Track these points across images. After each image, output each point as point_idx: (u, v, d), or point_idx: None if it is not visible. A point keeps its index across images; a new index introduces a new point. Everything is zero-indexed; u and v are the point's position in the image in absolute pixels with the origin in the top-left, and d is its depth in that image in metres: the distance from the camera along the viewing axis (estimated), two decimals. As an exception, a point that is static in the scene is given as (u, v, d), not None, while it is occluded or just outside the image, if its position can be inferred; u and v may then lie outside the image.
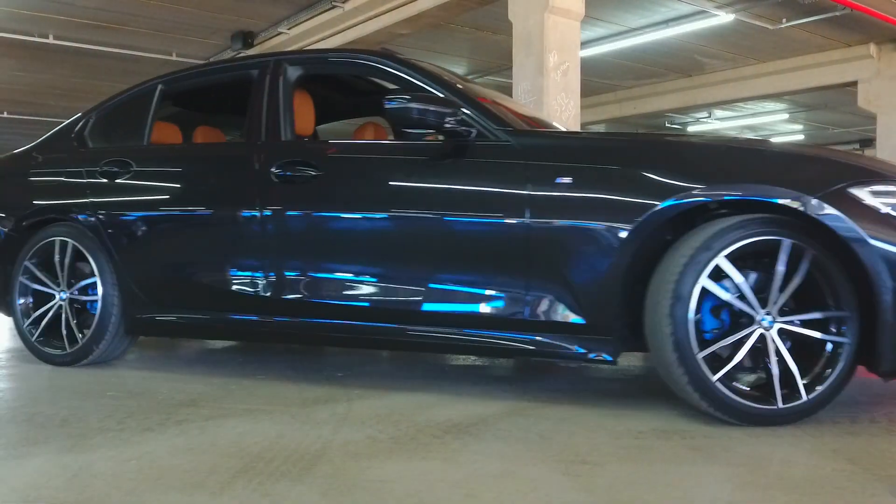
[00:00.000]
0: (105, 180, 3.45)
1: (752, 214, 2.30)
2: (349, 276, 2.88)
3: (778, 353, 2.27)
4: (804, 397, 2.25)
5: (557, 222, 2.51)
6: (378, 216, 2.82)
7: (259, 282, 3.04)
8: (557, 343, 2.55)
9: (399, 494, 1.74)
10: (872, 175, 2.29)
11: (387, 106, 2.63)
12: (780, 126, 17.40)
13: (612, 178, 2.49)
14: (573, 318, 2.51)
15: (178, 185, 3.36)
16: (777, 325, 2.29)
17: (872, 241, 2.18)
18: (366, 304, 2.84)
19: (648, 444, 2.13)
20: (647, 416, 2.45)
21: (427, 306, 2.72)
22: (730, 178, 2.37)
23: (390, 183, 2.86)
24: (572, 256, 2.48)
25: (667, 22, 9.95)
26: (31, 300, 3.55)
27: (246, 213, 3.05)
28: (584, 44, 10.07)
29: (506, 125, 2.75)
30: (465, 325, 2.68)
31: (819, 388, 2.26)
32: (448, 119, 2.63)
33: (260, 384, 3.01)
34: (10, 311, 3.62)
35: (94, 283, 3.40)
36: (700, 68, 12.42)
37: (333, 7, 8.91)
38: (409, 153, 2.87)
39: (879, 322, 2.18)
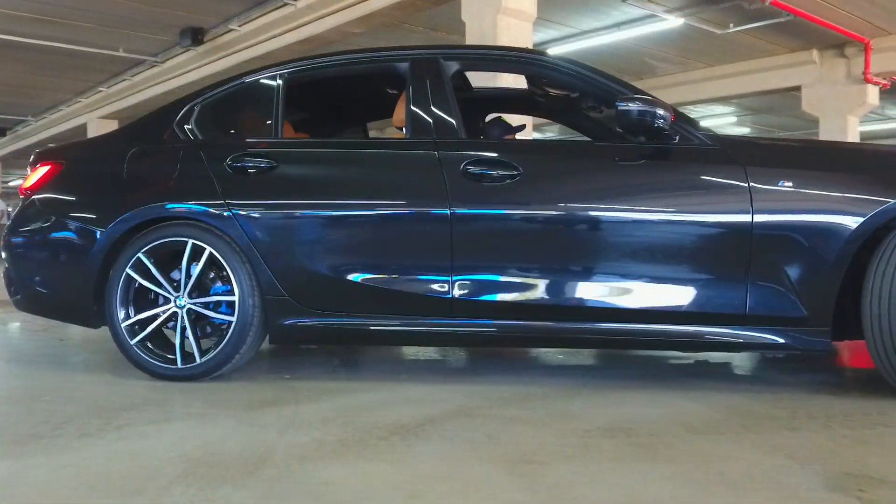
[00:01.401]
0: (239, 176, 3.09)
1: None
2: (550, 276, 2.85)
3: None
4: None
5: (782, 222, 2.68)
6: (586, 216, 2.84)
7: (444, 283, 2.88)
8: (768, 336, 2.68)
9: (343, 497, 1.72)
10: None
11: (619, 108, 2.72)
12: (728, 129, 17.81)
13: (832, 180, 2.70)
14: (794, 311, 2.65)
15: (341, 183, 3.11)
16: None
17: None
18: (570, 303, 2.82)
19: (594, 442, 2.14)
20: (594, 415, 2.47)
21: (636, 304, 2.77)
22: None
23: (597, 183, 2.91)
24: (796, 254, 2.65)
25: (618, 25, 10.10)
26: (133, 309, 3.07)
27: (433, 211, 2.89)
28: (538, 46, 10.15)
29: (706, 130, 2.90)
30: (676, 321, 2.75)
31: None
32: (662, 122, 2.71)
33: (204, 387, 2.94)
34: (107, 321, 3.10)
35: (212, 288, 3.07)
36: (651, 71, 12.64)
37: (285, 4, 8.82)
38: (612, 154, 2.96)
39: None
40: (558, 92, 3.86)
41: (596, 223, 2.83)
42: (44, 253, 3.31)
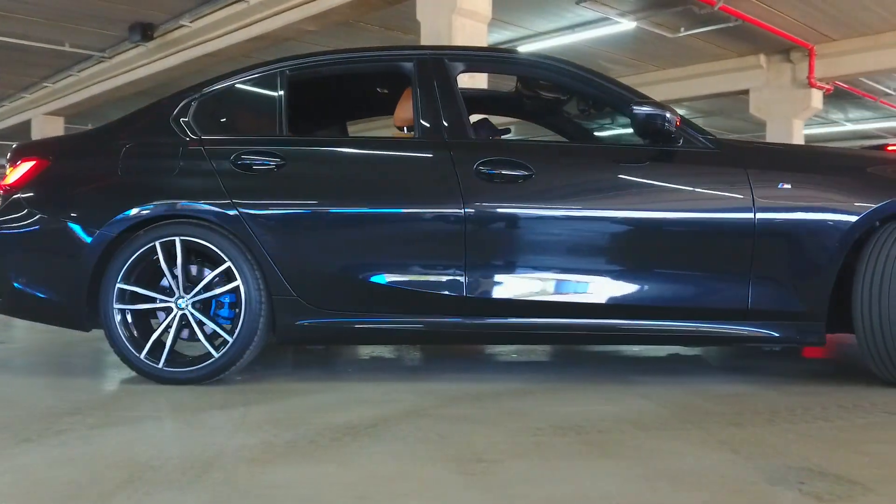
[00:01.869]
0: (246, 173, 3.02)
1: None
2: (562, 273, 2.92)
3: None
4: None
5: (782, 222, 2.83)
6: (597, 216, 2.91)
7: (458, 281, 2.91)
8: (768, 330, 2.83)
9: (291, 499, 1.70)
10: None
11: (636, 112, 2.83)
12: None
13: (828, 183, 2.89)
14: (793, 306, 2.82)
15: (353, 181, 3.07)
16: None
17: None
18: (576, 301, 2.90)
19: (545, 440, 2.16)
20: (546, 413, 2.49)
21: (645, 301, 2.87)
22: None
23: (608, 184, 2.98)
24: (795, 252, 2.83)
25: (573, 27, 10.21)
26: (131, 315, 2.98)
27: (447, 210, 2.91)
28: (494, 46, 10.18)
29: (707, 133, 3.02)
30: (685, 317, 2.87)
31: None
32: (670, 125, 2.84)
33: (152, 390, 2.88)
34: (102, 326, 2.99)
35: (212, 289, 2.97)
36: (605, 73, 12.78)
37: (238, 1, 8.70)
38: (621, 156, 3.07)
39: None
40: (551, 95, 3.91)
41: (607, 223, 2.92)
42: (30, 253, 3.15)
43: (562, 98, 3.90)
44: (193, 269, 3.02)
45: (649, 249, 2.90)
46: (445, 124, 3.05)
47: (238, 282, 2.91)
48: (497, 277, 2.91)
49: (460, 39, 6.38)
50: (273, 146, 3.10)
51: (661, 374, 3.19)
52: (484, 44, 6.77)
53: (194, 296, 2.95)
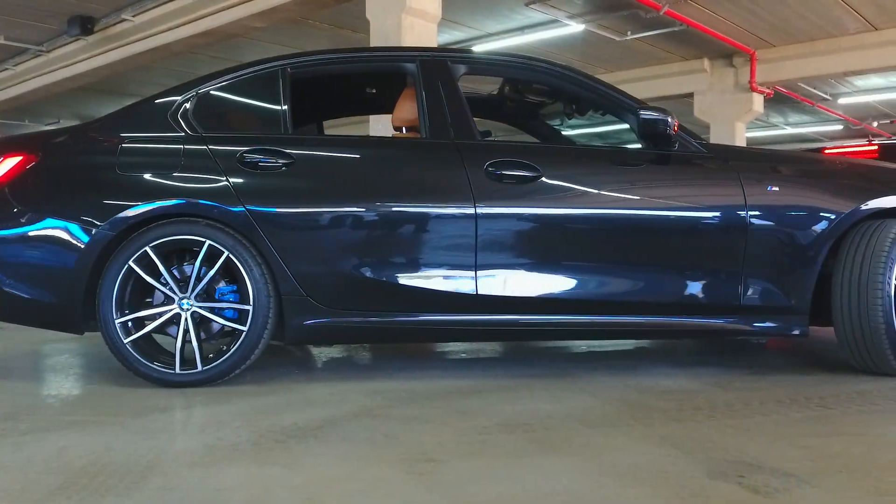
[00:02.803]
0: (253, 171, 2.97)
1: None
2: (570, 271, 3.00)
3: None
4: None
5: (771, 223, 3.01)
6: (601, 215, 3.02)
7: (468, 280, 2.96)
8: (758, 324, 3.03)
9: (235, 503, 1.67)
10: None
11: (643, 116, 2.99)
12: (626, 135, 18.43)
13: (811, 186, 3.09)
14: (781, 301, 3.01)
15: (363, 180, 3.06)
16: None
17: None
18: (583, 297, 2.98)
19: (492, 438, 2.16)
20: (494, 411, 2.50)
21: (650, 297, 3.00)
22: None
23: (610, 185, 3.07)
24: (783, 250, 3.01)
25: (522, 29, 10.29)
26: (129, 313, 2.88)
27: (459, 210, 2.95)
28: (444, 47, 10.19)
29: (699, 138, 3.17)
30: (682, 313, 3.02)
31: None
32: (671, 130, 3.00)
33: (91, 393, 2.80)
34: (100, 325, 2.88)
35: (211, 287, 2.94)
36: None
37: (183, -5, 8.52)
38: (622, 158, 3.22)
39: None
40: (536, 98, 3.98)
41: (611, 222, 3.03)
42: (19, 253, 2.98)
43: (547, 102, 4.00)
44: (188, 270, 2.95)
45: (651, 248, 3.03)
46: (452, 125, 3.11)
47: (246, 280, 2.88)
48: (508, 275, 2.98)
49: (409, 39, 6.37)
50: (281, 144, 3.07)
51: (608, 371, 3.24)
52: (434, 44, 6.77)
53: (198, 294, 2.90)
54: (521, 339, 4.00)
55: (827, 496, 1.70)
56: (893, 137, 16.88)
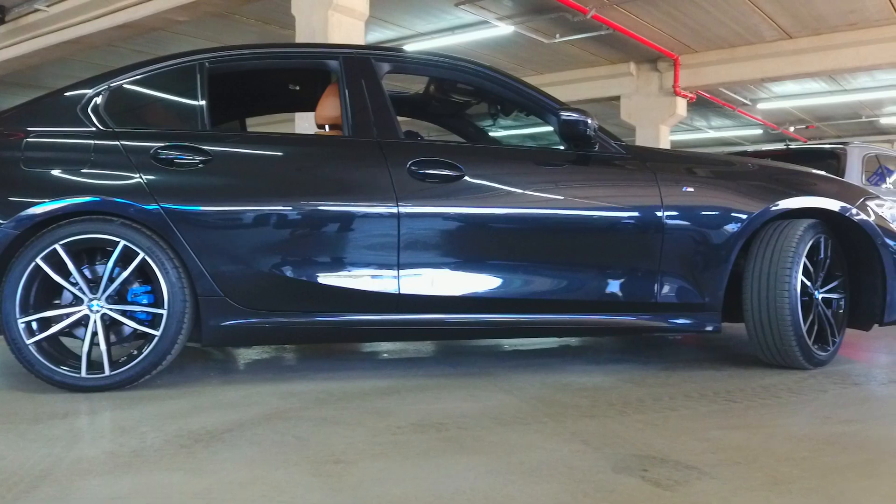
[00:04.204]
0: (168, 168, 2.86)
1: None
2: (492, 270, 3.01)
3: None
4: None
5: (685, 222, 3.09)
6: (522, 214, 3.03)
7: (390, 279, 2.94)
8: (672, 321, 3.11)
9: (129, 512, 1.61)
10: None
11: (563, 118, 3.05)
12: (553, 136, 18.71)
13: (724, 187, 3.18)
14: (695, 298, 3.10)
15: (284, 178, 2.98)
16: None
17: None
18: (506, 296, 3.01)
19: (404, 439, 2.15)
20: (408, 411, 2.48)
21: (569, 295, 3.05)
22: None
23: (532, 185, 3.08)
24: (696, 249, 3.10)
25: (452, 29, 10.33)
26: (34, 313, 2.75)
27: (381, 209, 2.92)
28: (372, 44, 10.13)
29: (619, 140, 3.25)
30: (600, 310, 3.09)
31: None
32: (591, 132, 3.07)
33: (-13, 400, 2.66)
34: (2, 325, 2.74)
35: (124, 288, 2.82)
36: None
37: (101, -14, 8.23)
38: (544, 159, 3.28)
39: None
40: (462, 98, 4.00)
41: (532, 221, 3.04)
42: None
43: (472, 102, 4.02)
44: (99, 270, 2.84)
45: (572, 247, 3.06)
46: (375, 124, 3.08)
47: (161, 281, 2.78)
48: (431, 274, 2.97)
49: (336, 36, 6.30)
50: (198, 141, 2.97)
51: (527, 369, 3.27)
52: (361, 42, 6.72)
53: (109, 295, 2.79)
54: (444, 339, 4.02)
55: (724, 487, 1.74)
56: (809, 142, 17.65)
